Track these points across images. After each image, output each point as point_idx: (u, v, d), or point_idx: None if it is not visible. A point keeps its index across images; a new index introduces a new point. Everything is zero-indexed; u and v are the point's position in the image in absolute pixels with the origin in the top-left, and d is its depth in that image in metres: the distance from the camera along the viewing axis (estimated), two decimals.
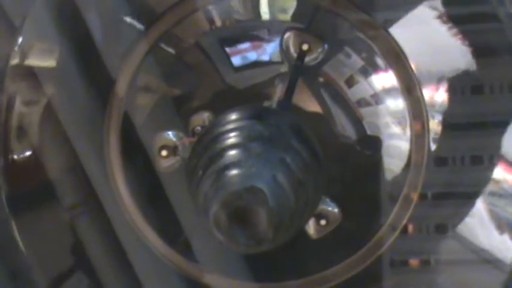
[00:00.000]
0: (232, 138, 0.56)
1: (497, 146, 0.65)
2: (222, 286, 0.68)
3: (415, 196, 0.63)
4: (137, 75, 0.64)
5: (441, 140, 0.62)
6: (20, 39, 0.65)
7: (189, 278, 0.67)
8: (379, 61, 0.62)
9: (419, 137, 0.61)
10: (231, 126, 0.58)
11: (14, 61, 0.65)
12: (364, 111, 0.62)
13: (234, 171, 0.53)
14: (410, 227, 0.66)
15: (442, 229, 0.68)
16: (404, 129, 0.60)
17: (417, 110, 0.62)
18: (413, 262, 1.02)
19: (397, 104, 0.61)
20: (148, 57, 0.64)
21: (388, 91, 0.62)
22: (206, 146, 0.58)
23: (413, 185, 0.62)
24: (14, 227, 0.63)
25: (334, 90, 0.62)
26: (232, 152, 0.55)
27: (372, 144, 0.62)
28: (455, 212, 0.69)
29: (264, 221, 0.52)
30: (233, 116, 0.59)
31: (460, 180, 0.65)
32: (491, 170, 0.67)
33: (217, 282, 0.68)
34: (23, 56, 0.65)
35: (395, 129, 0.60)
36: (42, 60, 0.65)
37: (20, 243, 0.64)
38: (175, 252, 0.67)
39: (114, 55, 0.65)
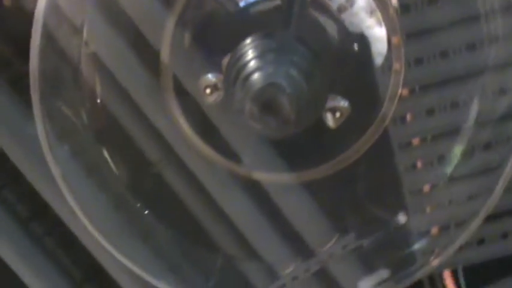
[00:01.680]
0: (250, 54, 0.75)
1: None
2: (267, 179, 0.86)
3: (402, 68, 0.80)
4: (173, 42, 0.81)
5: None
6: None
7: (243, 178, 0.85)
8: None
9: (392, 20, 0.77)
10: (247, 47, 0.76)
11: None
12: (344, 15, 0.79)
13: (256, 75, 0.72)
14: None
15: None
16: (377, 17, 0.77)
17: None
18: (415, 141, 1.19)
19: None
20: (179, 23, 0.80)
21: None
22: (233, 66, 0.76)
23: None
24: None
25: (319, 5, 0.79)
26: (252, 63, 0.73)
27: (358, 40, 0.79)
28: None
29: (286, 106, 0.70)
30: (248, 41, 0.77)
31: None
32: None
33: (262, 177, 0.86)
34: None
35: (370, 20, 0.77)
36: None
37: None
38: (231, 162, 0.85)
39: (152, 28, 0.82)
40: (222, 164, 0.85)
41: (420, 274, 0.80)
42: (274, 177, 0.87)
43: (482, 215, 0.79)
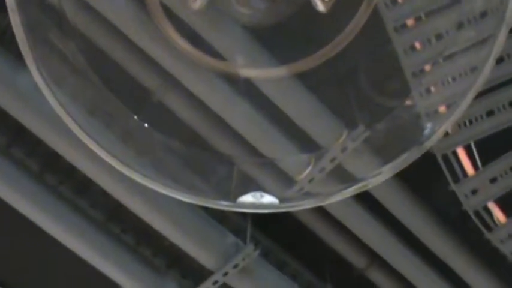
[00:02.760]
0: None
1: None
2: (257, 75, 0.85)
3: None
4: None
5: None
6: None
7: (230, 76, 0.84)
8: None
9: None
10: None
11: None
12: None
13: None
14: None
15: None
16: None
17: None
18: (409, 22, 1.18)
19: None
20: None
21: None
22: None
23: None
24: None
25: None
26: None
27: None
28: None
29: None
30: None
31: None
32: None
33: (252, 74, 0.84)
34: None
35: None
36: None
37: None
38: (220, 61, 0.83)
39: None
40: (210, 65, 0.83)
41: (430, 143, 0.80)
42: (263, 73, 0.86)
43: (479, 82, 0.78)
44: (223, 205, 0.56)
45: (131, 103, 0.85)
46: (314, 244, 1.58)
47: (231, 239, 1.35)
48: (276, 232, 1.58)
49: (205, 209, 1.38)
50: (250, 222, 1.44)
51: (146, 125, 0.68)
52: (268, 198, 0.55)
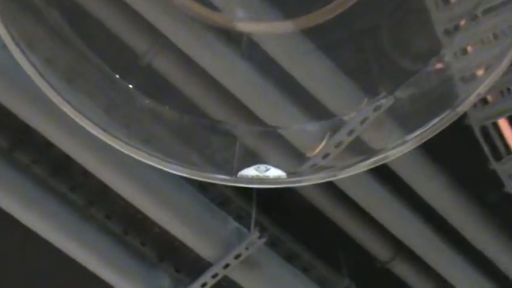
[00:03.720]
0: None
1: None
2: (259, 31, 0.86)
3: None
4: None
5: None
6: None
7: (230, 34, 0.85)
8: None
9: None
10: None
11: None
12: None
13: None
14: None
15: None
16: None
17: None
18: None
19: None
20: None
21: None
22: None
23: None
24: None
25: None
26: None
27: None
28: None
29: None
30: None
31: None
32: None
33: (254, 29, 0.86)
34: None
35: None
36: None
37: None
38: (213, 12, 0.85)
39: None
40: (207, 19, 0.84)
41: (464, 107, 0.80)
42: (267, 28, 0.86)
43: None
44: (222, 179, 0.58)
45: (117, 68, 0.87)
46: (329, 232, 1.60)
47: (232, 224, 1.36)
48: (285, 217, 1.61)
49: (202, 189, 1.40)
50: (255, 205, 1.46)
51: (131, 86, 0.69)
52: (274, 172, 0.57)
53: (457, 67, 0.89)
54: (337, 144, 1.09)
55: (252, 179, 0.59)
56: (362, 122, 1.17)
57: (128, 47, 1.11)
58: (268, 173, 0.58)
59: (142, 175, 1.24)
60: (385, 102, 1.14)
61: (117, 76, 0.71)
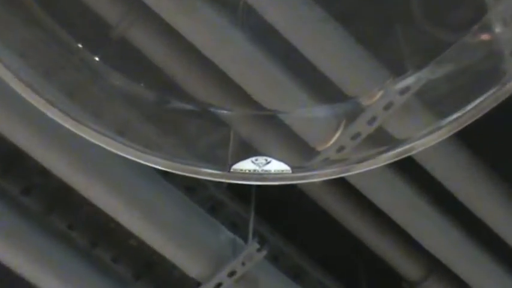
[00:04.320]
0: None
1: None
2: None
3: None
4: None
5: None
6: None
7: None
8: None
9: None
10: None
11: None
12: None
13: None
14: None
15: None
16: None
17: None
18: None
19: None
20: None
21: None
22: None
23: None
24: None
25: None
26: None
27: None
28: None
29: None
30: None
31: None
32: None
33: None
34: None
35: None
36: None
37: None
38: None
39: None
40: None
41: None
42: None
43: None
44: (211, 174, 0.56)
45: (84, 41, 0.87)
46: (345, 244, 1.59)
47: (225, 234, 1.36)
48: (291, 225, 1.60)
49: (189, 190, 1.39)
50: (254, 210, 1.45)
51: (97, 58, 0.68)
52: (275, 165, 0.55)
53: (506, 37, 0.87)
54: (354, 136, 1.08)
55: (249, 174, 0.57)
56: (386, 107, 1.15)
57: (97, 16, 1.10)
58: (269, 167, 0.56)
59: (112, 172, 1.23)
60: (414, 81, 1.12)
61: (79, 45, 0.70)
